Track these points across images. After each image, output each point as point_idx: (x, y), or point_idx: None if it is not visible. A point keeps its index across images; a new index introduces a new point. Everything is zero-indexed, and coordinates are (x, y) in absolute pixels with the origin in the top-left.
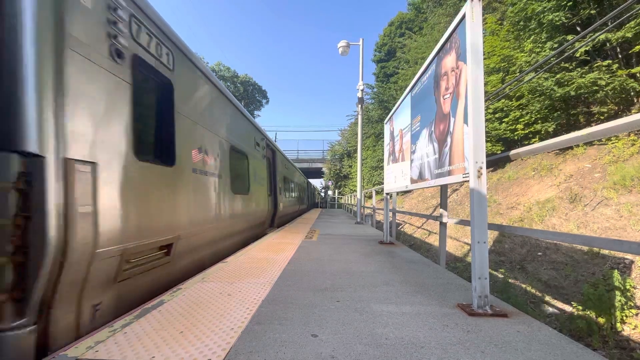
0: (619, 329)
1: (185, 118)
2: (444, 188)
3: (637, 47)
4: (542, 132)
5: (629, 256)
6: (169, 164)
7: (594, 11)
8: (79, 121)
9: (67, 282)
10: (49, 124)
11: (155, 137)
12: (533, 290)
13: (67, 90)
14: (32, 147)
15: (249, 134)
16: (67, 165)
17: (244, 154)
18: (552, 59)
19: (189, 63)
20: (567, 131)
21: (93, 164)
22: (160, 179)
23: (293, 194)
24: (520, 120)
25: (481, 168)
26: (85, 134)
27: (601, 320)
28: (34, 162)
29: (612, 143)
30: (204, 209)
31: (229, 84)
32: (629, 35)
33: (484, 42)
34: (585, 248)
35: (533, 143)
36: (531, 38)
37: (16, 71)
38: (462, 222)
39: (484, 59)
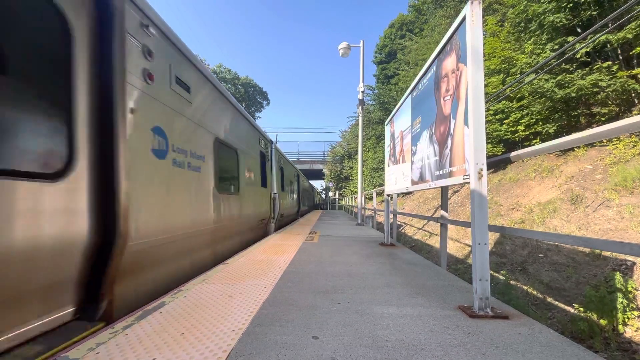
0: (621, 331)
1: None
2: (444, 190)
3: (638, 48)
4: (544, 134)
5: (631, 258)
6: (283, 190)
7: (595, 12)
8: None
9: (278, 219)
10: (274, 185)
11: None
12: (534, 292)
13: (275, 175)
14: (275, 191)
15: (295, 171)
16: (273, 195)
17: (293, 180)
18: (552, 61)
19: (277, 152)
20: (568, 132)
21: (276, 194)
22: (284, 197)
23: (306, 199)
24: (521, 121)
25: (482, 170)
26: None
27: (603, 322)
28: (275, 194)
29: (614, 144)
30: (286, 203)
31: (229, 85)
32: (630, 36)
33: (484, 43)
34: (587, 250)
35: (534, 144)
36: (532, 39)
37: (273, 175)
38: (463, 224)
39: (485, 60)
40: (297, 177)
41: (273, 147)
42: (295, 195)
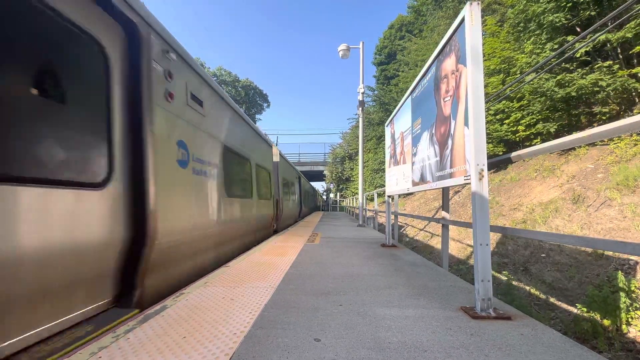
0: (625, 331)
1: (304, 190)
2: (445, 190)
3: (638, 47)
4: (544, 133)
5: (634, 257)
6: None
7: (594, 12)
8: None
9: (303, 212)
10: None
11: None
12: (537, 293)
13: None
14: (277, 197)
15: (308, 184)
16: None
17: (311, 191)
18: (552, 60)
19: (302, 178)
20: (569, 132)
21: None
22: (310, 206)
23: (310, 201)
24: (522, 121)
25: (482, 170)
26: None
27: (606, 322)
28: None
29: (615, 143)
30: (306, 205)
31: (230, 88)
32: (629, 35)
33: (483, 44)
34: (590, 249)
35: (535, 144)
36: (531, 39)
37: (301, 194)
38: (464, 225)
39: (484, 60)
40: (310, 187)
41: (301, 180)
42: (306, 200)
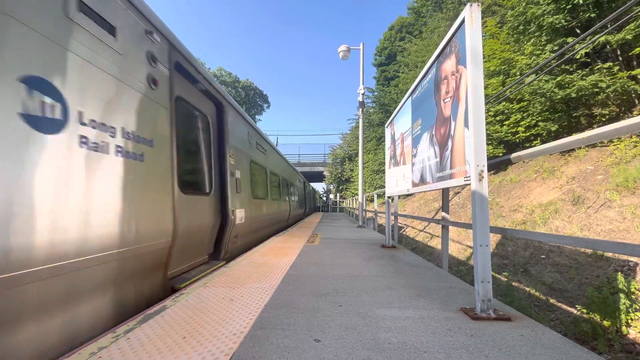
0: (625, 332)
1: (307, 191)
2: (445, 191)
3: (638, 49)
4: (544, 135)
5: (633, 259)
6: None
7: (594, 14)
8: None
9: (306, 212)
10: (306, 201)
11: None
12: (537, 294)
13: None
14: (305, 202)
15: (312, 190)
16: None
17: (308, 191)
18: (552, 62)
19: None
20: (569, 133)
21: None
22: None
23: (311, 202)
24: (522, 123)
25: (482, 171)
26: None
27: (606, 323)
28: (306, 204)
29: (614, 145)
30: (309, 206)
31: (230, 88)
32: (629, 37)
33: (483, 45)
34: (589, 250)
35: (535, 145)
36: (531, 41)
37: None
38: (464, 225)
39: (484, 61)
40: (312, 191)
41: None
42: (308, 202)
